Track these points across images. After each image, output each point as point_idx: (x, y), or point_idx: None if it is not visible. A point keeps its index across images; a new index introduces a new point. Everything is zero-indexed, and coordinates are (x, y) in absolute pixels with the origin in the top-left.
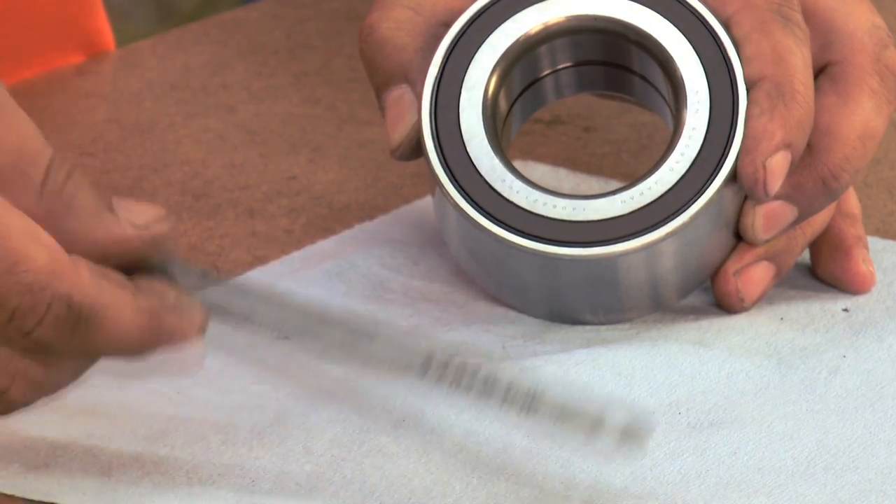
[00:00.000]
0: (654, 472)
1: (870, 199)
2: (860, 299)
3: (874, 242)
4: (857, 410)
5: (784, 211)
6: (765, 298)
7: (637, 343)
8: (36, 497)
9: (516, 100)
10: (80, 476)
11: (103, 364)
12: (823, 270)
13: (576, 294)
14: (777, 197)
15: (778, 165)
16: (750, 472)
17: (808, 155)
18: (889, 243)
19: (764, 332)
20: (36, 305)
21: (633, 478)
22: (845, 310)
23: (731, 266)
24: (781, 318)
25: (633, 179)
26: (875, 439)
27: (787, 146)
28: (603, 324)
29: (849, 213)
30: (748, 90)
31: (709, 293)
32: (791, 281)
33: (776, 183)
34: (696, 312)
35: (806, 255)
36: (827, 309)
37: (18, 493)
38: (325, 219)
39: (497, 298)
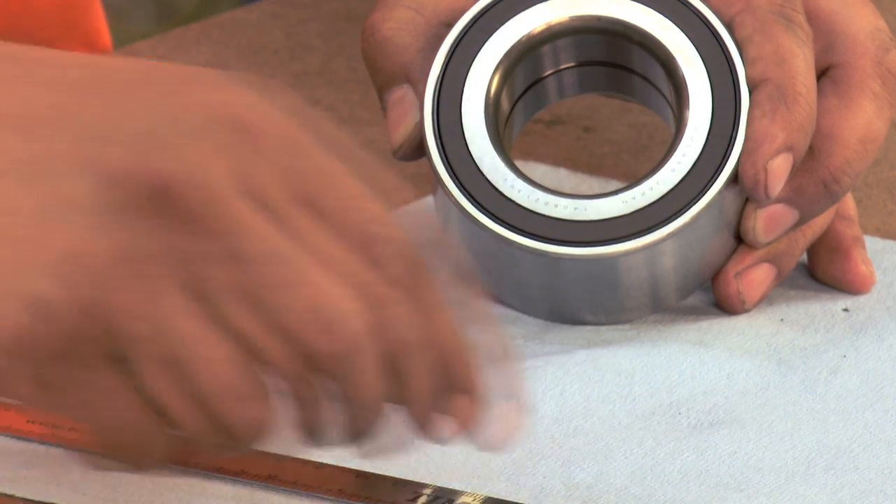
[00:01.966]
0: (655, 472)
1: (870, 199)
2: (860, 299)
3: (874, 242)
4: (857, 410)
5: (785, 214)
6: (765, 299)
7: (637, 343)
8: (36, 497)
9: (518, 99)
10: (80, 476)
11: None
12: (823, 272)
13: (576, 294)
14: (778, 200)
15: (779, 168)
16: (750, 472)
17: (810, 158)
18: (889, 243)
19: (764, 333)
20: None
21: (633, 478)
22: (845, 310)
23: (732, 268)
24: (782, 319)
25: (634, 180)
26: (875, 439)
27: (789, 149)
28: (603, 324)
29: (846, 214)
30: (750, 92)
31: (709, 293)
32: (791, 281)
33: (777, 185)
34: (697, 313)
35: (806, 256)
36: (827, 309)
37: (18, 494)
38: None
39: (497, 298)
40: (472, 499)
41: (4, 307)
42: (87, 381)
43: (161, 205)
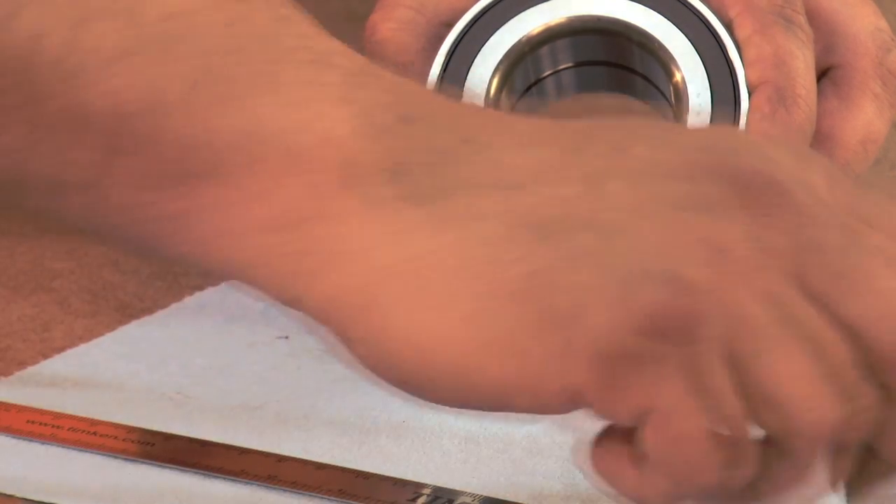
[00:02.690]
0: None
1: None
2: None
3: None
4: None
5: None
6: None
7: None
8: (36, 497)
9: (519, 100)
10: (80, 476)
11: (106, 356)
12: None
13: None
14: None
15: None
16: None
17: None
18: None
19: None
20: None
21: None
22: None
23: None
24: None
25: None
26: None
27: None
28: None
29: None
30: (750, 93)
31: None
32: None
33: None
34: None
35: None
36: None
37: (18, 494)
38: None
39: None
40: (471, 499)
41: (642, 284)
42: (666, 377)
43: (773, 201)
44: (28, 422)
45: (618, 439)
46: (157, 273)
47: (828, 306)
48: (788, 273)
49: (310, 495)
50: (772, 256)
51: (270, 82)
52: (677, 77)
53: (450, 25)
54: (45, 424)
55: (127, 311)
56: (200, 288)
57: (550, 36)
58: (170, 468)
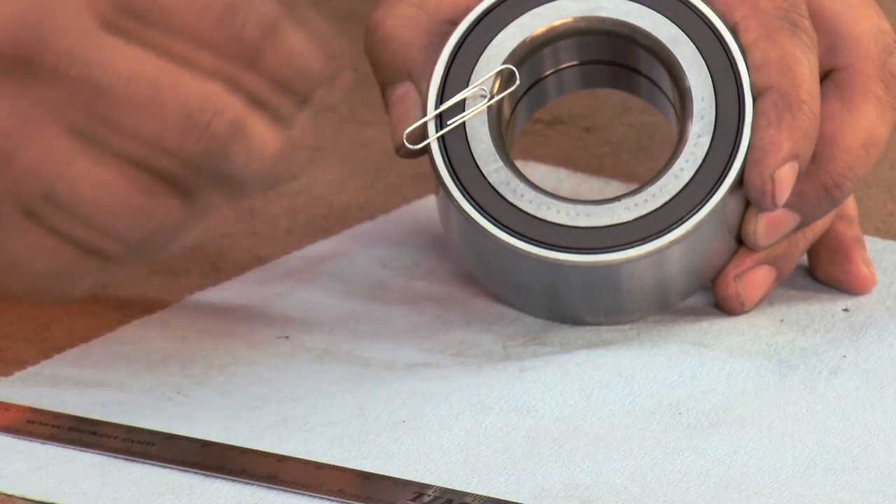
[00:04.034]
0: (655, 472)
1: (870, 200)
2: (860, 299)
3: (874, 243)
4: (857, 410)
5: (786, 218)
6: (765, 300)
7: (637, 344)
8: (36, 497)
9: (520, 100)
10: (80, 476)
11: (109, 357)
12: (824, 273)
13: (577, 297)
14: None
15: (786, 177)
16: (750, 472)
17: (811, 163)
18: (889, 243)
19: (764, 333)
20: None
21: (633, 478)
22: (845, 310)
23: (732, 270)
24: (782, 320)
25: (637, 185)
26: (875, 439)
27: (795, 157)
28: (603, 325)
29: (846, 215)
30: (755, 98)
31: (709, 294)
32: (791, 282)
33: (784, 194)
34: (697, 313)
35: (806, 257)
36: (827, 309)
37: (18, 493)
38: (325, 219)
39: (498, 298)
40: (472, 499)
41: None
42: (9, 237)
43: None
44: (28, 422)
45: None
46: (157, 273)
47: None
48: (53, 130)
49: (310, 495)
50: (25, 127)
51: None
52: (682, 82)
53: (453, 23)
54: (45, 424)
55: (127, 311)
56: (200, 288)
57: (555, 36)
58: (170, 468)
